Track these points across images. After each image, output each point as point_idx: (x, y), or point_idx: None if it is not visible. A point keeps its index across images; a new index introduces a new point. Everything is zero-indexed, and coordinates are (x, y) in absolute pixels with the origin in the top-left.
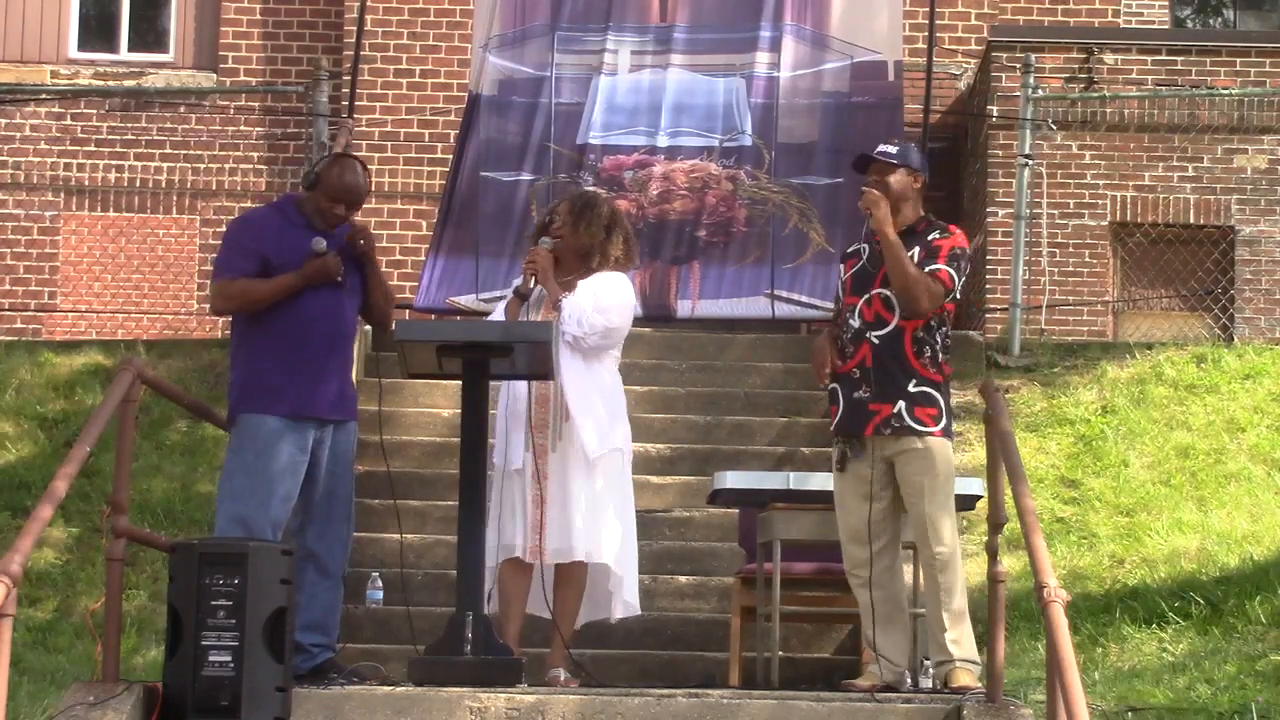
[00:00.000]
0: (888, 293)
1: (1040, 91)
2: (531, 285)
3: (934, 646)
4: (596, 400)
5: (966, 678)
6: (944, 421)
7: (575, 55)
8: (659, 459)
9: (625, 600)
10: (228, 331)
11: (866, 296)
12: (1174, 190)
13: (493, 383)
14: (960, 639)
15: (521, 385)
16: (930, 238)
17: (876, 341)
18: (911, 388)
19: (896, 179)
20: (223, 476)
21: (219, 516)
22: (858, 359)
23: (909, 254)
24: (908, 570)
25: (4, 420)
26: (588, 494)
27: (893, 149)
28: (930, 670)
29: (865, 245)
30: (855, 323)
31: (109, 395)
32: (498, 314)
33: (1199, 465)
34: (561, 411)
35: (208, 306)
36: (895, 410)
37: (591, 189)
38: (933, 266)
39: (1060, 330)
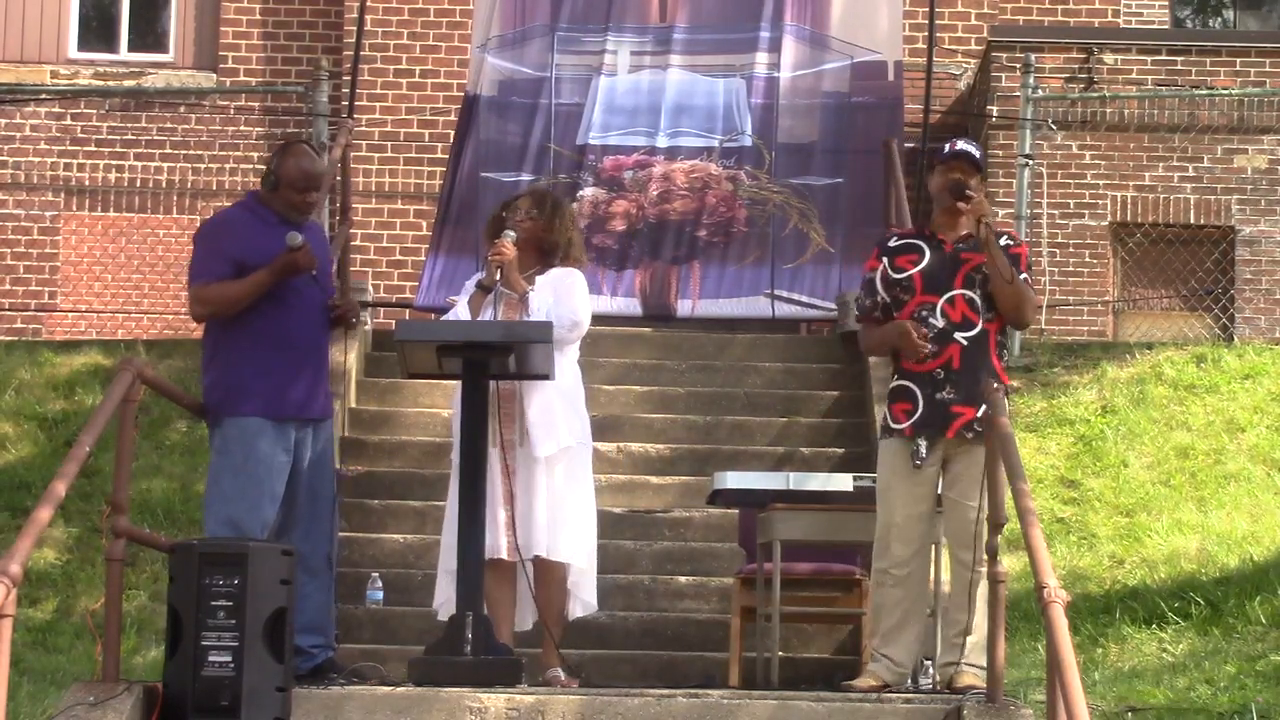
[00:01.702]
0: (972, 294)
1: (1040, 91)
2: (496, 278)
3: (946, 645)
4: (553, 396)
5: (973, 680)
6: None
7: (575, 56)
8: (659, 459)
9: (583, 599)
10: None
11: (949, 296)
12: (1174, 190)
13: (455, 382)
14: (980, 641)
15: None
16: (1003, 245)
17: (965, 343)
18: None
19: (975, 182)
20: (209, 479)
21: (208, 519)
22: (943, 359)
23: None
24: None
25: (4, 420)
26: (547, 489)
27: (976, 151)
28: (931, 670)
29: (921, 243)
30: (939, 322)
31: (109, 395)
32: (461, 306)
33: (1199, 465)
34: (524, 406)
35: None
36: (979, 414)
37: (546, 185)
38: (1022, 277)
39: (1060, 330)
